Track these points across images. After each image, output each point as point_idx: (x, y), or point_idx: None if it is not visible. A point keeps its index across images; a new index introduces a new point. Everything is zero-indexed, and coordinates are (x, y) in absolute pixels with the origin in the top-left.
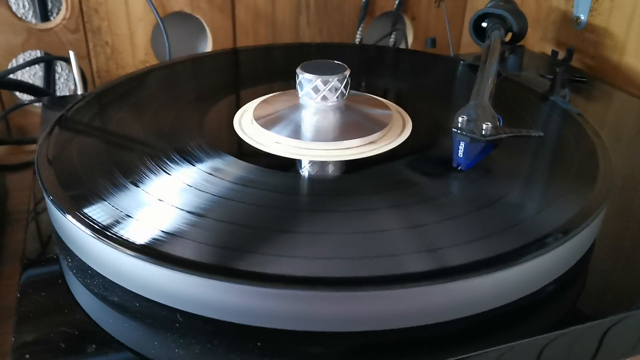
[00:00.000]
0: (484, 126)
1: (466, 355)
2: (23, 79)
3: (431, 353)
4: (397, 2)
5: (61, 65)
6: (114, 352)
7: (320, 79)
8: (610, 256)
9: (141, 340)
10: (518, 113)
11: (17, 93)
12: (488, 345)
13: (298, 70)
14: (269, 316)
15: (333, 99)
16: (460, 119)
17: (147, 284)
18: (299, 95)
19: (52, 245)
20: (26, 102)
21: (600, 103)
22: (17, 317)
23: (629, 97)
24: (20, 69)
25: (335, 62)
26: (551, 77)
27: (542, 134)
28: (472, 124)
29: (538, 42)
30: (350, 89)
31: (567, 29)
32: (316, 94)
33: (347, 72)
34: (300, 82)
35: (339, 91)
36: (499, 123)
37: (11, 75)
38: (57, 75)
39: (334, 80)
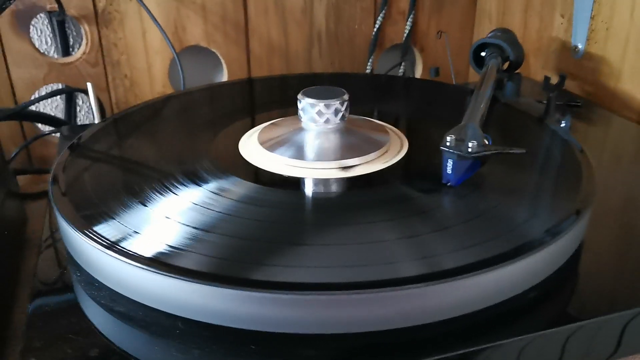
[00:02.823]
0: (470, 144)
1: (452, 354)
2: (45, 111)
3: (419, 354)
4: (405, 35)
5: (82, 98)
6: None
7: (322, 103)
8: (598, 260)
9: (143, 347)
10: (512, 135)
11: (39, 125)
12: (471, 345)
13: (299, 96)
14: (264, 320)
15: (335, 122)
16: (448, 138)
17: (151, 293)
18: (302, 120)
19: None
20: (46, 133)
21: (598, 127)
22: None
23: (625, 121)
24: (40, 101)
25: (335, 87)
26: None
27: (524, 151)
28: (459, 143)
29: (540, 70)
30: (358, 115)
31: (566, 57)
32: (319, 117)
33: (346, 96)
34: (303, 108)
35: (340, 114)
36: (488, 142)
37: (32, 108)
38: (78, 108)
39: (335, 104)
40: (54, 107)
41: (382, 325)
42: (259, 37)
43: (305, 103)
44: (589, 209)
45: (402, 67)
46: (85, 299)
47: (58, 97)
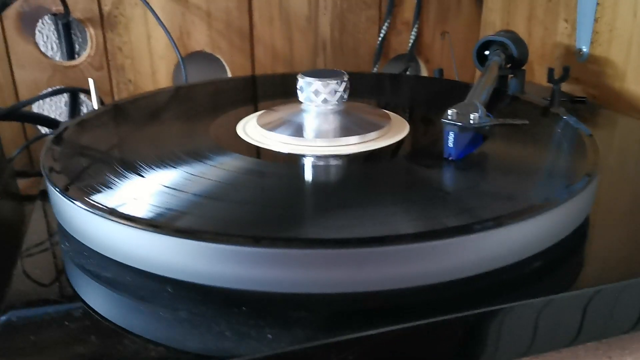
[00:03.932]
0: (472, 116)
1: (442, 318)
2: (49, 114)
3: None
4: (410, 45)
5: (86, 105)
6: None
7: (319, 82)
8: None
9: (129, 310)
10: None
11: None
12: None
13: (299, 76)
14: (254, 279)
15: (333, 102)
16: (450, 112)
17: (142, 255)
18: (300, 99)
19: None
20: (47, 134)
21: (604, 125)
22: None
23: (631, 119)
24: (35, 101)
25: (336, 70)
26: (549, 99)
27: (526, 122)
28: (461, 116)
29: (545, 76)
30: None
31: (571, 62)
32: (316, 97)
33: (346, 77)
34: (301, 87)
35: (339, 94)
36: (492, 121)
37: (37, 110)
38: (81, 111)
39: (333, 84)
40: (58, 114)
41: (374, 285)
42: (264, 45)
43: (303, 82)
44: (597, 174)
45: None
46: (72, 267)
47: (63, 104)
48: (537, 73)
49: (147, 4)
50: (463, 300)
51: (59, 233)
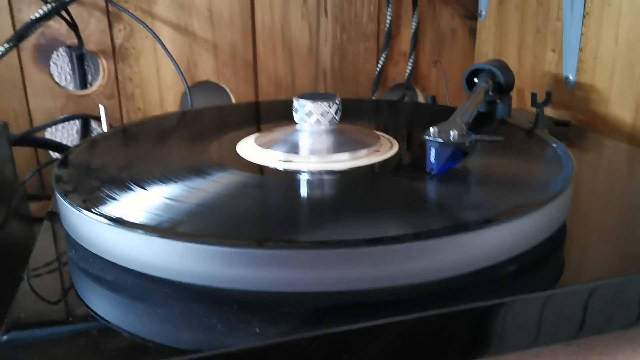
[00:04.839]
0: (452, 133)
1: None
2: (61, 141)
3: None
4: (407, 75)
5: (97, 132)
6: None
7: (311, 103)
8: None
9: (125, 309)
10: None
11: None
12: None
13: (294, 98)
14: (244, 278)
15: (325, 123)
16: (432, 129)
17: (138, 257)
18: (295, 120)
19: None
20: (58, 158)
21: (586, 145)
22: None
23: (612, 141)
24: (47, 127)
25: (330, 94)
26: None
27: (501, 139)
28: (442, 133)
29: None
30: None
31: (559, 89)
32: (308, 117)
33: (337, 100)
34: (295, 108)
35: (330, 116)
36: (471, 138)
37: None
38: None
39: (324, 105)
40: (70, 141)
41: (356, 284)
42: (267, 74)
43: (297, 104)
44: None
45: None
46: (78, 273)
47: (75, 132)
48: (527, 100)
49: (156, 37)
50: (444, 299)
51: (66, 242)
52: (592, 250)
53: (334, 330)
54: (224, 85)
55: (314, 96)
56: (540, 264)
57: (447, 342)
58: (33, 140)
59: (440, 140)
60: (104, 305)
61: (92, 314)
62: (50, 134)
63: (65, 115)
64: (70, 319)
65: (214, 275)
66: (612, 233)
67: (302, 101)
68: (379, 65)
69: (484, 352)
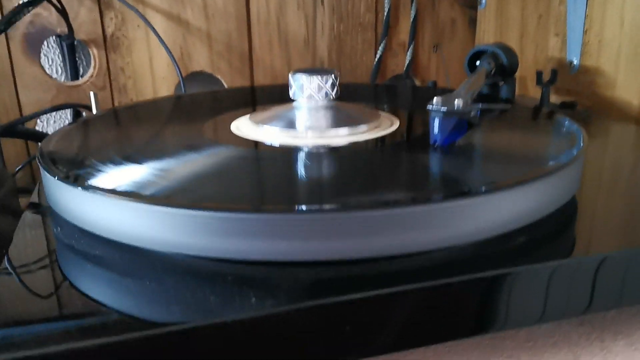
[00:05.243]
0: (456, 101)
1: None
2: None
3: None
4: (406, 65)
5: None
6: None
7: (309, 78)
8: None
9: (116, 283)
10: (509, 118)
11: None
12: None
13: (290, 74)
14: (239, 248)
15: (320, 97)
16: (435, 99)
17: (131, 230)
18: (291, 95)
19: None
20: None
21: (593, 127)
22: None
23: (620, 123)
24: (33, 117)
25: (328, 69)
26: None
27: (509, 106)
28: (446, 103)
29: (538, 91)
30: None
31: (563, 74)
32: (303, 92)
33: (335, 74)
34: (290, 84)
35: (326, 90)
36: (476, 106)
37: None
38: None
39: (320, 80)
40: None
41: (358, 253)
42: (263, 67)
43: (292, 78)
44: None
45: None
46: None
47: (67, 124)
48: (530, 88)
49: (149, 24)
50: (452, 268)
51: (50, 219)
52: (603, 225)
53: (335, 300)
54: (218, 77)
55: (310, 70)
56: (550, 236)
57: (453, 314)
58: (20, 131)
59: (444, 109)
60: (91, 282)
61: (80, 293)
62: (42, 127)
63: (53, 106)
64: (61, 303)
65: (209, 246)
66: (622, 209)
67: (297, 75)
68: (377, 56)
69: (490, 327)
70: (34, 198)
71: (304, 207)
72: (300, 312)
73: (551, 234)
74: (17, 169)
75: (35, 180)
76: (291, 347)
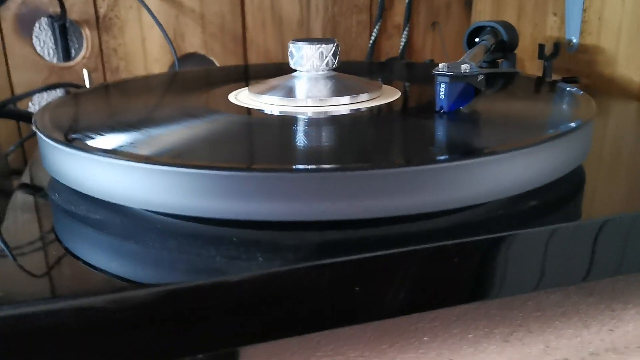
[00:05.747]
0: (463, 66)
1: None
2: None
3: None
4: (401, 48)
5: None
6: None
7: (311, 47)
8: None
9: (118, 245)
10: (514, 89)
11: None
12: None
13: (290, 42)
14: (245, 208)
15: (322, 66)
16: (441, 65)
17: (135, 190)
18: (291, 65)
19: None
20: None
21: (600, 104)
22: None
23: (621, 100)
24: (24, 97)
25: (327, 38)
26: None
27: (518, 71)
28: (452, 68)
29: (537, 72)
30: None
31: (562, 54)
32: (305, 61)
33: (335, 43)
34: (291, 52)
35: (327, 59)
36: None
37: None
38: None
39: (320, 47)
40: None
41: (368, 212)
42: (257, 48)
43: (293, 47)
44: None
45: None
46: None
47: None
48: (528, 70)
49: (143, 3)
50: (460, 230)
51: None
52: (609, 191)
53: (345, 258)
54: (212, 58)
55: (310, 40)
56: (557, 203)
57: (461, 275)
58: (12, 111)
59: (450, 73)
60: (90, 248)
61: (77, 259)
62: (34, 110)
63: (44, 85)
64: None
65: (212, 207)
66: (630, 177)
67: (298, 44)
68: (372, 38)
69: (496, 292)
70: (25, 178)
71: (313, 166)
72: (309, 270)
73: (561, 198)
74: (10, 149)
75: (27, 161)
76: (298, 309)
